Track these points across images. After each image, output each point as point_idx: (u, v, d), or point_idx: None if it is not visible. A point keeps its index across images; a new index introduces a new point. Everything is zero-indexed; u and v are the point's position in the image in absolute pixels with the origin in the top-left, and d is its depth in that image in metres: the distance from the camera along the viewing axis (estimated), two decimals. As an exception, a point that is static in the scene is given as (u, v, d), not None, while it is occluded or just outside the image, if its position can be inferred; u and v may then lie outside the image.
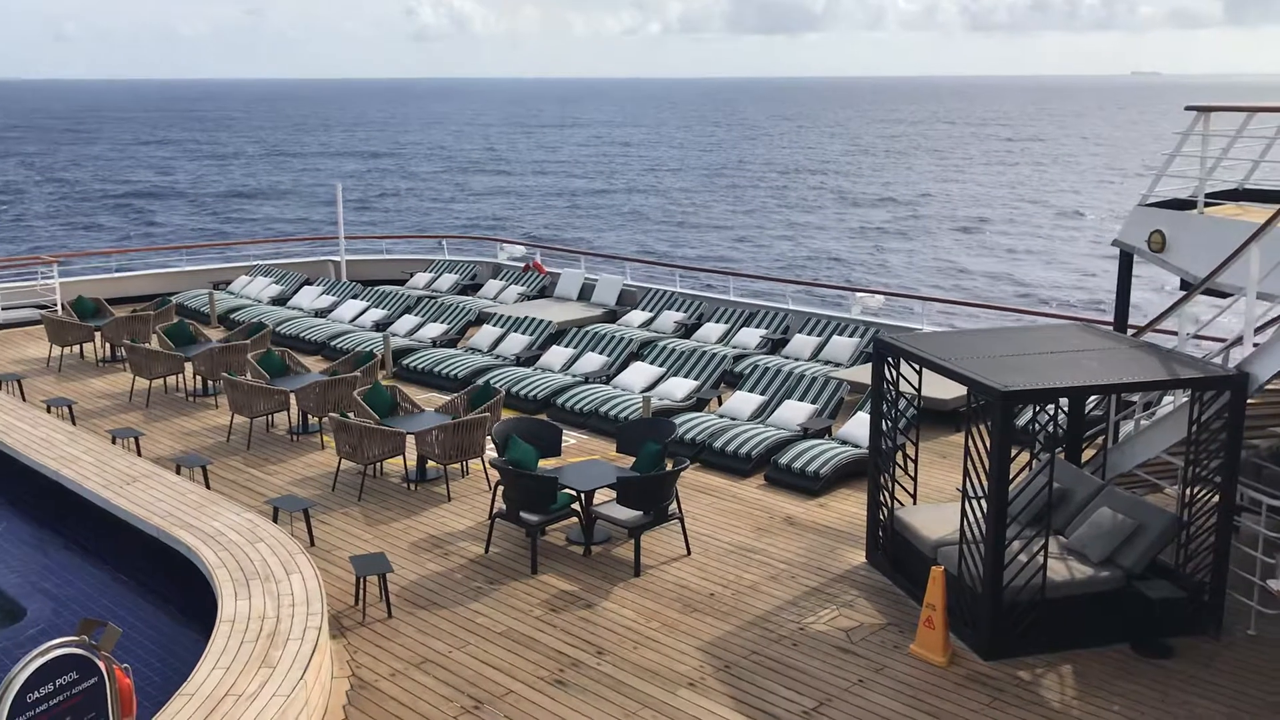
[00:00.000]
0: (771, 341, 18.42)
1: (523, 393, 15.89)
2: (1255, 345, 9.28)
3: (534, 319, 18.68)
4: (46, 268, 22.15)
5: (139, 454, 13.25)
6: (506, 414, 14.90)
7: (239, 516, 10.82)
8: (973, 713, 8.17)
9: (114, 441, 13.60)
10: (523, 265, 23.98)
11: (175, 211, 65.51)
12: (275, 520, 11.08)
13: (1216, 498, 9.18)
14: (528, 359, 17.73)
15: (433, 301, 20.52)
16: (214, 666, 7.95)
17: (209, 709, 7.35)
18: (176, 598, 10.36)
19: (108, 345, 18.84)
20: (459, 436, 12.55)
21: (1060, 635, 9.06)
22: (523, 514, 10.70)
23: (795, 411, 14.22)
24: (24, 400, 15.62)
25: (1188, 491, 9.34)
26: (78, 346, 18.93)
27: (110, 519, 11.30)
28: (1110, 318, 13.37)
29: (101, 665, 6.14)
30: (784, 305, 20.11)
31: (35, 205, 66.93)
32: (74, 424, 14.65)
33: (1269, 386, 9.33)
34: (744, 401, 14.74)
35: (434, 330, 19.29)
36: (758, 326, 18.92)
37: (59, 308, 21.02)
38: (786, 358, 17.49)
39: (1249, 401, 9.22)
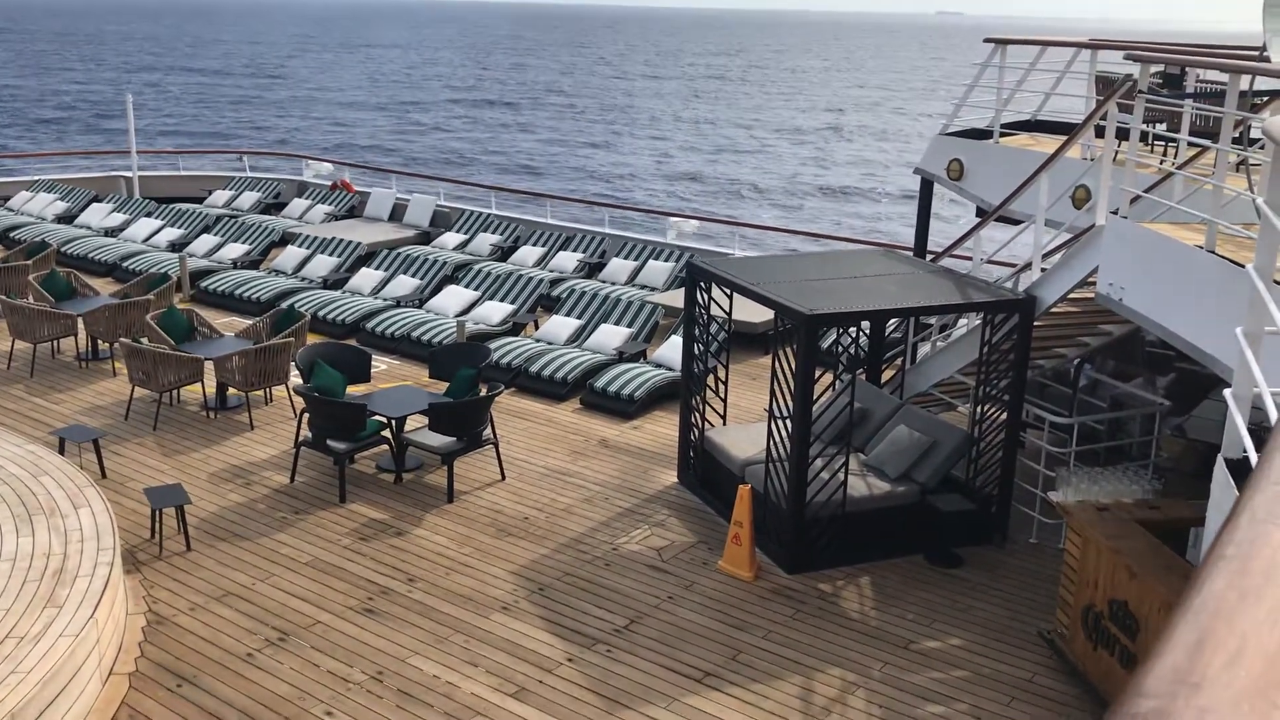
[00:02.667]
0: (588, 265, 18.41)
1: (330, 317, 15.42)
2: (1042, 270, 9.81)
3: (342, 240, 18.12)
4: None
5: (-97, 383, 12.25)
6: (312, 339, 14.42)
7: (20, 449, 10.14)
8: (777, 624, 8.49)
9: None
10: (330, 184, 23.11)
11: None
12: (62, 452, 10.46)
13: (1005, 415, 9.73)
14: (335, 282, 17.20)
15: (233, 221, 19.60)
16: (-9, 608, 7.46)
17: (-14, 653, 6.91)
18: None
19: None
20: (261, 362, 12.09)
21: (859, 548, 9.48)
22: (330, 442, 10.43)
23: (611, 336, 14.29)
24: None
25: (978, 410, 9.87)
26: None
27: None
28: (911, 242, 13.89)
29: None
30: (601, 229, 20.09)
31: None
32: None
33: (1054, 310, 9.90)
34: (560, 326, 14.71)
35: (235, 251, 18.46)
36: (575, 250, 18.86)
37: None
38: (603, 282, 17.52)
39: (1036, 324, 9.76)
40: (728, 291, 10.39)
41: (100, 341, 13.91)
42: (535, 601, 8.71)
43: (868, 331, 11.27)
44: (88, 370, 13.65)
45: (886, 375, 11.75)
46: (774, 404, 9.31)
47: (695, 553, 9.60)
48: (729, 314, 10.73)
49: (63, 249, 18.38)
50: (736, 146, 60.79)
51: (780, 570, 9.33)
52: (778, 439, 9.26)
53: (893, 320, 11.80)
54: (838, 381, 10.94)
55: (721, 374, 11.39)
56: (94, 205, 21.13)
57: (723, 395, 11.32)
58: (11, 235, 19.52)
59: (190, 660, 7.76)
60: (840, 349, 10.32)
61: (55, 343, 14.13)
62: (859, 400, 10.25)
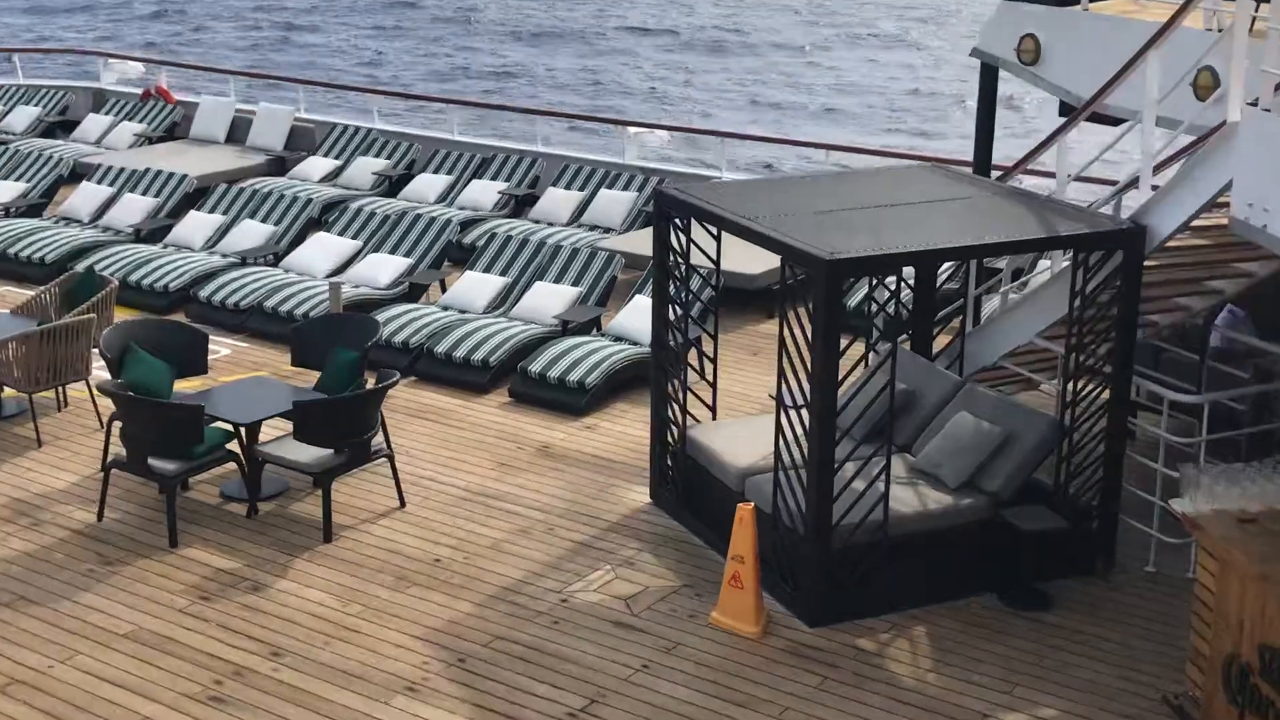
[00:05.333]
0: (515, 199, 18.36)
1: (146, 283, 15.34)
2: (1154, 189, 9.87)
3: (161, 172, 18.03)
4: None
5: None
6: (122, 315, 14.29)
7: None
8: (797, 698, 8.54)
9: None
10: (141, 91, 22.90)
11: None
12: None
13: (1106, 394, 9.80)
14: (153, 232, 17.08)
15: (2, 149, 19.39)
16: None
17: None
18: None
19: None
20: (51, 350, 12.03)
21: (908, 588, 9.53)
22: (152, 461, 10.38)
23: (550, 298, 14.26)
24: None
25: (1070, 388, 9.93)
26: None
27: None
28: (969, 156, 13.94)
29: None
30: (533, 148, 20.01)
31: None
32: None
33: (1172, 244, 9.95)
34: (477, 286, 14.67)
35: (6, 192, 18.29)
36: (494, 178, 18.79)
37: None
38: (537, 222, 17.47)
39: (1147, 265, 9.83)
40: (714, 231, 10.38)
41: None
42: (454, 678, 8.71)
43: (912, 282, 11.32)
44: None
45: (940, 343, 11.80)
46: (783, 388, 9.33)
47: (678, 601, 9.63)
48: (716, 263, 10.72)
49: None
50: (721, 25, 60.78)
51: (799, 622, 9.38)
52: (790, 437, 9.29)
53: (946, 265, 11.84)
54: (872, 354, 10.98)
55: (708, 348, 11.39)
56: None
57: (711, 378, 11.35)
58: None
59: (-38, 779, 7.71)
60: (875, 307, 10.34)
61: None
62: (902, 379, 10.28)
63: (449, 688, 8.62)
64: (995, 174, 12.79)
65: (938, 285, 11.58)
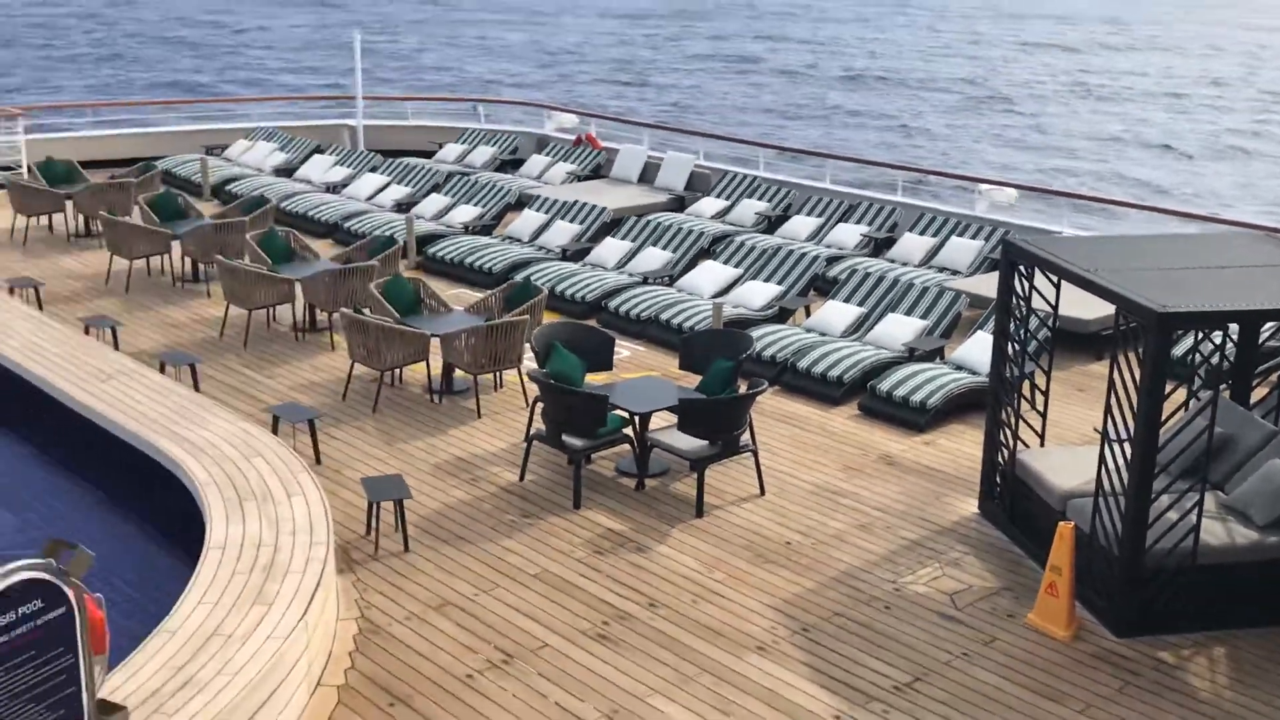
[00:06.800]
0: (874, 241, 18.19)
1: (569, 293, 15.89)
2: None
3: (585, 204, 18.59)
4: (9, 122, 22.39)
5: (116, 347, 13.48)
6: (549, 317, 14.90)
7: (233, 425, 10.99)
8: (1099, 698, 8.14)
9: (87, 332, 13.83)
10: (573, 138, 23.81)
11: (167, 60, 65.79)
12: (275, 432, 11.25)
13: None
14: (576, 252, 17.68)
15: (465, 179, 20.48)
16: (200, 600, 8.13)
17: (194, 650, 7.54)
18: (157, 517, 10.59)
19: (81, 217, 19.07)
20: (492, 342, 12.60)
21: (1213, 611, 8.97)
22: (565, 437, 10.76)
23: (900, 328, 14.06)
24: (-16, 279, 15.92)
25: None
26: (46, 217, 19.18)
27: (81, 422, 11.54)
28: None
29: (70, 594, 6.27)
30: (892, 198, 19.80)
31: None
32: (40, 309, 14.91)
33: None
34: (837, 313, 14.60)
35: (466, 214, 19.29)
36: (858, 222, 18.68)
37: (24, 170, 21.29)
38: (892, 262, 17.26)
39: None
40: (1054, 279, 10.03)
41: (319, 310, 14.86)
42: (798, 644, 8.69)
43: (1236, 337, 10.63)
44: (304, 342, 14.63)
45: (1259, 394, 11.04)
46: (1109, 423, 8.93)
47: (997, 601, 9.34)
48: (1054, 308, 10.36)
49: (282, 205, 19.75)
50: (1076, 93, 58.55)
51: (1106, 631, 8.94)
52: (1111, 467, 8.88)
53: (1269, 324, 11.07)
54: (1194, 399, 10.40)
55: (1040, 382, 11.02)
56: (316, 157, 22.60)
57: (1041, 409, 10.95)
58: (228, 189, 21.12)
59: (404, 677, 8.19)
60: (1199, 358, 9.77)
61: (271, 310, 15.21)
62: (1220, 424, 9.69)
63: (794, 651, 8.61)
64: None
65: (1260, 342, 10.85)
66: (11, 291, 15.32)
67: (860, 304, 14.78)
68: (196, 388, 12.51)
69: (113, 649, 6.71)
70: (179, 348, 14.13)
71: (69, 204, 18.92)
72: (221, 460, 10.29)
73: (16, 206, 18.77)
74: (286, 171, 22.60)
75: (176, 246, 16.82)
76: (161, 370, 12.70)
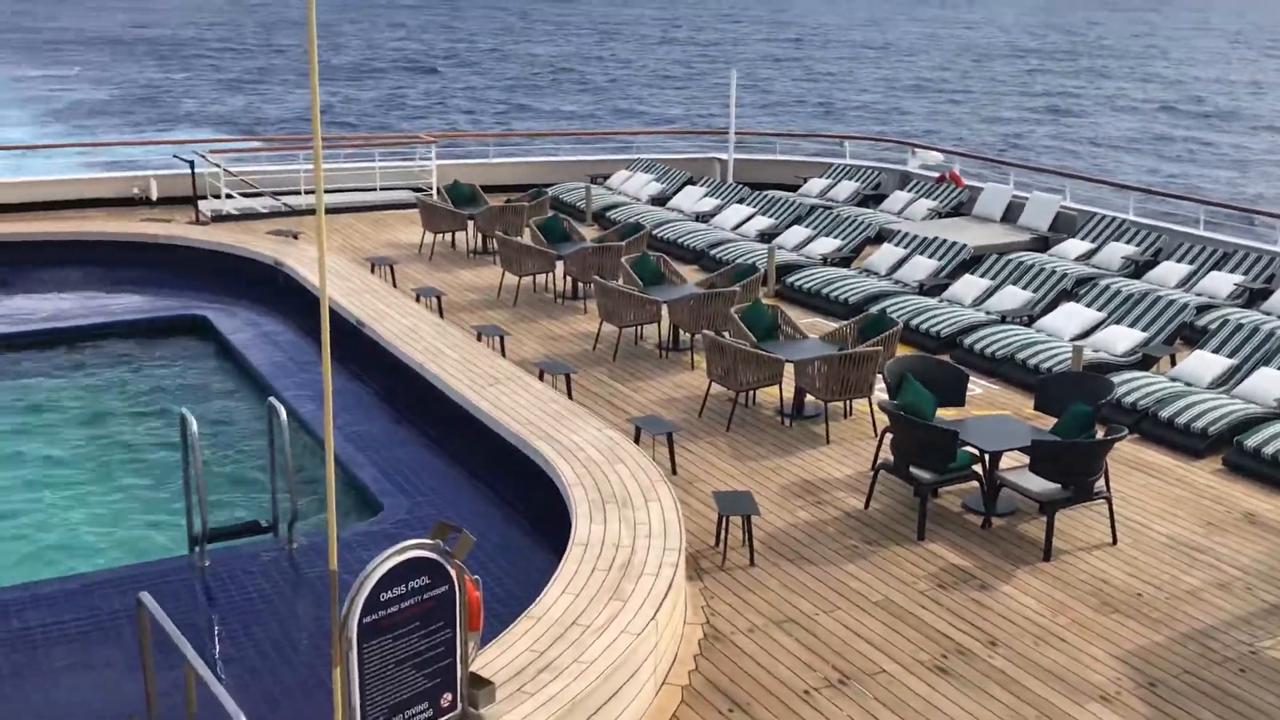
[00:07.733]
0: (1250, 291, 16.98)
1: (924, 327, 15.67)
2: None
3: (945, 241, 18.29)
4: (425, 147, 24.26)
5: (503, 354, 14.34)
6: (902, 350, 14.73)
7: (600, 433, 11.48)
8: None
9: (479, 339, 14.78)
10: (937, 175, 23.47)
11: (555, 93, 69.40)
12: (637, 441, 11.66)
13: None
14: (933, 288, 17.42)
15: (827, 212, 20.55)
16: (563, 591, 8.55)
17: (556, 635, 7.93)
18: (528, 510, 11.20)
19: (480, 236, 20.40)
20: (845, 371, 12.59)
21: None
22: (913, 469, 10.62)
23: (1273, 383, 13.05)
24: (394, 286, 17.29)
25: None
26: (450, 234, 20.63)
27: (469, 420, 12.35)
28: None
29: (453, 573, 6.74)
30: (1272, 247, 18.40)
31: (421, 82, 73.13)
32: (441, 316, 16.06)
33: None
34: (1205, 364, 13.72)
35: (825, 246, 19.36)
36: (1233, 271, 17.48)
37: (434, 191, 22.99)
38: (1268, 314, 16.05)
39: None
40: None
41: (682, 331, 15.29)
42: (1143, 698, 8.23)
43: None
44: (667, 360, 15.08)
45: None
46: None
47: (1369, 678, 8.52)
48: None
49: (654, 232, 20.45)
50: None
51: None
52: None
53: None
54: None
55: None
56: (688, 188, 23.28)
57: None
58: (608, 215, 22.09)
59: (744, 685, 8.31)
60: None
61: (639, 328, 15.79)
62: None
63: (1139, 706, 8.15)
64: None
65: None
66: (418, 299, 16.58)
67: (1230, 355, 13.84)
68: (570, 395, 13.13)
69: (485, 628, 7.16)
70: (557, 358, 14.88)
71: (470, 223, 20.29)
72: (589, 464, 10.77)
73: (425, 224, 20.30)
74: (660, 201, 23.38)
75: (560, 266, 17.76)
76: (540, 378, 13.41)
